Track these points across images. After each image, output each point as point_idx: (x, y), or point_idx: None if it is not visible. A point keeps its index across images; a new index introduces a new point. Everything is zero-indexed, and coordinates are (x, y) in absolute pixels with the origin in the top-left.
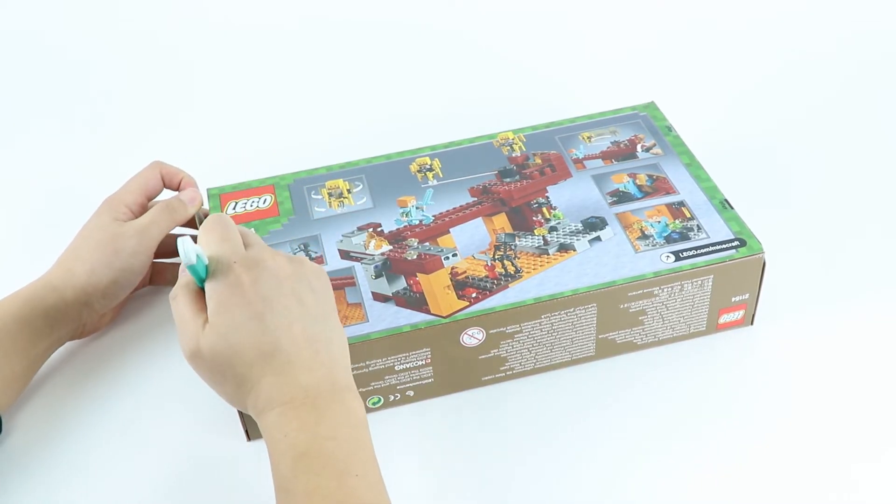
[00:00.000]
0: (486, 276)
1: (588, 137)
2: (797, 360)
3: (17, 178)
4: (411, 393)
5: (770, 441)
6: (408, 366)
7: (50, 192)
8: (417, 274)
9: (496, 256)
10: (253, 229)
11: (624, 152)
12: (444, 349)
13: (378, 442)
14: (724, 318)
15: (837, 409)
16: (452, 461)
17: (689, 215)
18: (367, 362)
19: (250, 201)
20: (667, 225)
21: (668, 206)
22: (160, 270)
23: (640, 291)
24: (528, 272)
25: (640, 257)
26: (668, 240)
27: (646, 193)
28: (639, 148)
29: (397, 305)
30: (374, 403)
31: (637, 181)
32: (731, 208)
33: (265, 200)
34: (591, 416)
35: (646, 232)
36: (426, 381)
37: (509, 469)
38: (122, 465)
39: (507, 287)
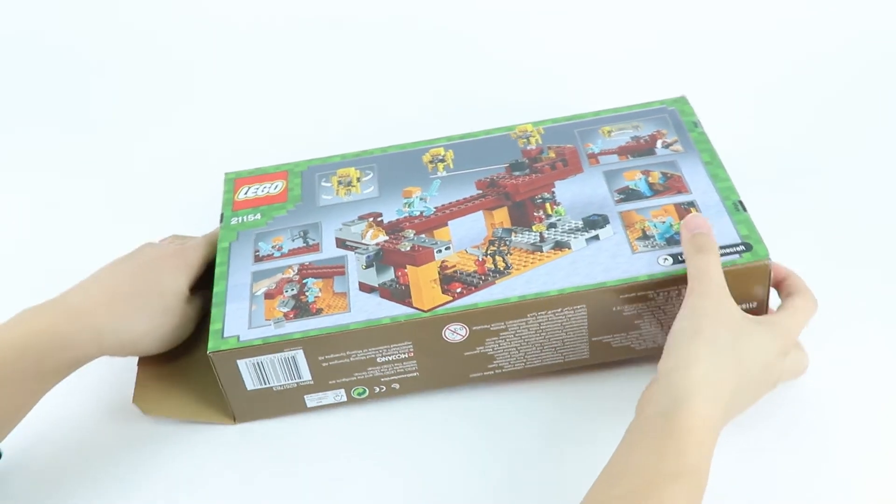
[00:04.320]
0: (475, 272)
1: (608, 132)
2: (810, 370)
3: (23, 174)
4: (396, 386)
5: (779, 449)
6: (390, 358)
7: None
8: (407, 266)
9: (489, 251)
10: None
11: (642, 148)
12: (427, 344)
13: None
14: None
15: (849, 417)
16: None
17: None
18: (349, 352)
19: (262, 187)
20: (671, 226)
21: (677, 206)
22: None
23: (633, 294)
24: (517, 269)
25: (637, 258)
26: (670, 241)
27: (656, 192)
28: (658, 144)
29: (381, 297)
30: (358, 394)
31: (650, 179)
32: (744, 211)
33: (276, 186)
34: (583, 426)
35: (647, 232)
36: (411, 374)
37: (492, 480)
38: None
39: (493, 283)
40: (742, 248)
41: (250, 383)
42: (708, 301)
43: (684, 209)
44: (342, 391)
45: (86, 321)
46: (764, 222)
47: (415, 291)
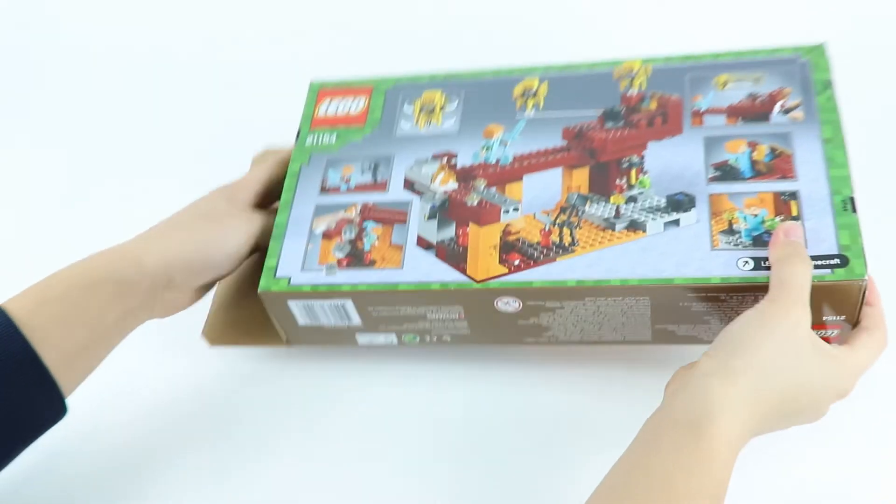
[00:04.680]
0: (538, 243)
1: (724, 83)
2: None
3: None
4: (448, 338)
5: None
6: (441, 317)
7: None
8: (469, 223)
9: (558, 220)
10: None
11: (756, 111)
12: (478, 310)
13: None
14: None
15: None
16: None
17: (795, 213)
18: (398, 307)
19: (343, 102)
20: (763, 221)
21: (777, 195)
22: None
23: (703, 294)
24: (583, 247)
25: (715, 256)
26: (756, 242)
27: (758, 173)
28: (776, 108)
29: (436, 257)
30: (409, 340)
31: (754, 154)
32: (854, 212)
33: (358, 105)
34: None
35: (734, 226)
36: (462, 331)
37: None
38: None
39: (553, 260)
40: (836, 261)
41: (301, 320)
42: (782, 316)
43: (783, 201)
44: (393, 335)
45: (155, 243)
46: (877, 227)
47: (471, 256)
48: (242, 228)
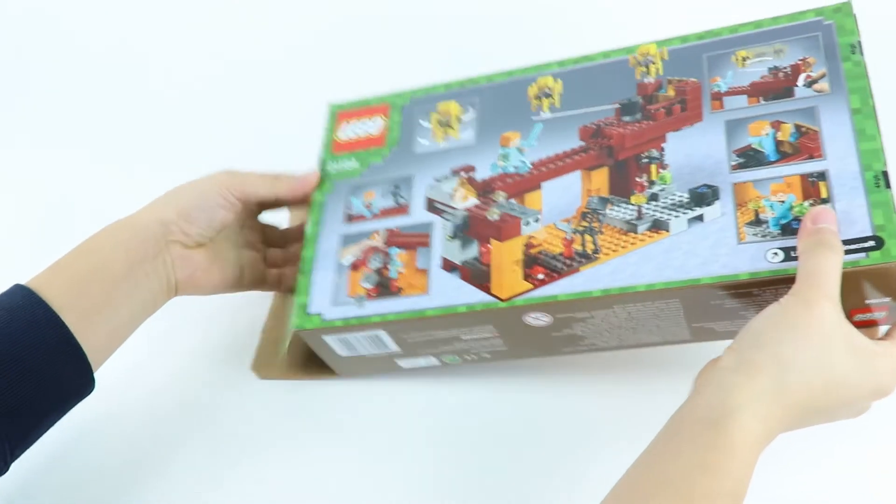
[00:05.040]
0: (560, 254)
1: (743, 59)
2: None
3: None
4: (487, 356)
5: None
6: (475, 337)
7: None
8: (491, 241)
9: (579, 228)
10: None
11: (779, 86)
12: (509, 327)
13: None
14: (858, 318)
15: None
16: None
17: (825, 195)
18: (430, 332)
19: (361, 124)
20: (790, 207)
21: (804, 177)
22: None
23: (733, 291)
24: (605, 254)
25: (742, 250)
26: (785, 230)
27: (783, 155)
28: (801, 80)
29: (461, 279)
30: (450, 360)
31: (779, 135)
32: (887, 187)
33: (376, 125)
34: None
35: (761, 215)
36: (499, 348)
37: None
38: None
39: (577, 270)
40: (871, 244)
41: (341, 352)
42: (804, 310)
43: (811, 183)
44: (433, 358)
45: (153, 210)
46: None
47: (495, 274)
48: (225, 178)
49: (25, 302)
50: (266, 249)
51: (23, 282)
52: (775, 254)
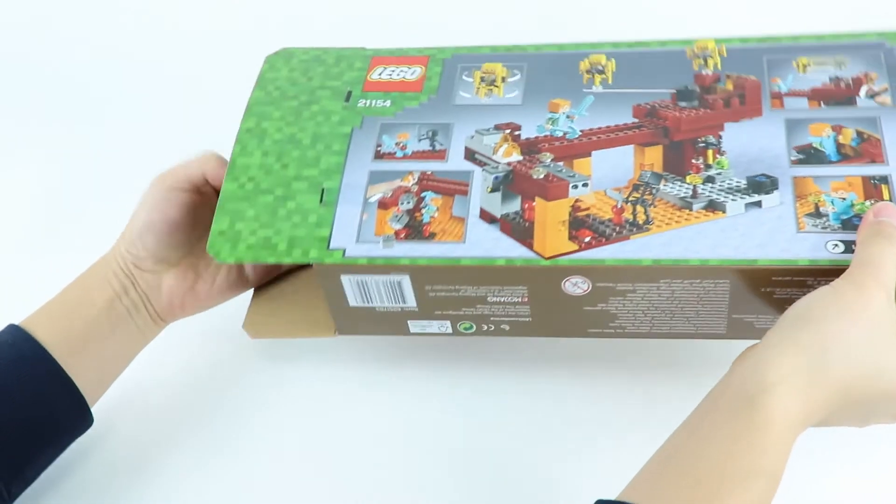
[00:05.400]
0: (609, 220)
1: (804, 65)
2: None
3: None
4: (506, 327)
5: None
6: (502, 300)
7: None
8: (536, 198)
9: (630, 198)
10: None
11: (840, 94)
12: (543, 292)
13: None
14: None
15: None
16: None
17: (887, 197)
18: (457, 287)
19: (398, 70)
20: (852, 205)
21: (866, 179)
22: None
23: (788, 279)
24: (658, 226)
25: (801, 238)
26: (846, 225)
27: (844, 157)
28: (862, 91)
29: (501, 231)
30: (465, 329)
31: (840, 138)
32: None
33: (414, 72)
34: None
35: (821, 209)
36: (523, 318)
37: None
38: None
39: (626, 238)
40: None
41: (353, 300)
42: (857, 296)
43: (874, 185)
44: (448, 323)
45: (120, 240)
46: None
47: (538, 232)
48: (163, 176)
49: (13, 339)
50: None
51: (22, 279)
52: (835, 245)
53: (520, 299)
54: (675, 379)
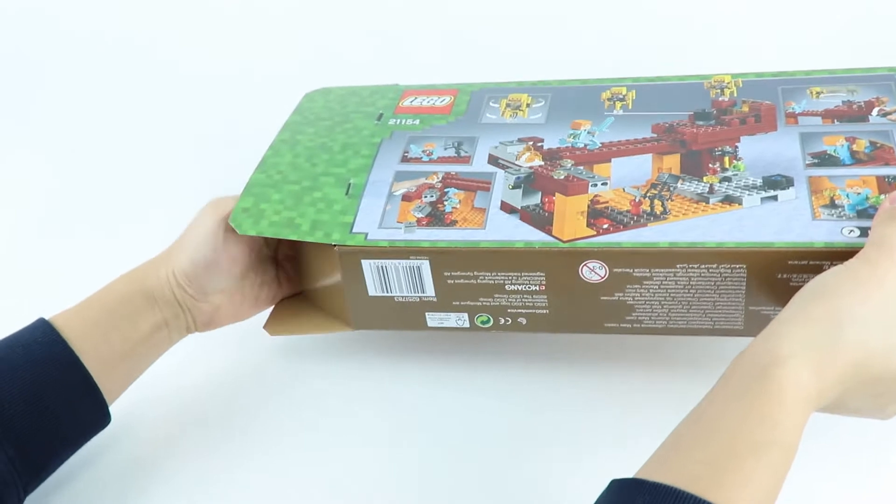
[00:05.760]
0: (627, 211)
1: (817, 93)
2: None
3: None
4: (523, 321)
5: None
6: (519, 288)
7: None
8: (556, 193)
9: (648, 194)
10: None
11: (853, 114)
12: (561, 278)
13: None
14: None
15: None
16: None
17: None
18: (476, 273)
19: (428, 98)
20: (867, 198)
21: (880, 178)
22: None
23: (805, 262)
24: (675, 215)
25: (817, 225)
26: (861, 214)
27: (858, 161)
28: (875, 112)
29: (521, 220)
30: (482, 322)
31: (854, 146)
32: None
33: (443, 100)
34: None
35: (836, 201)
36: (540, 310)
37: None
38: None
39: (644, 225)
40: None
41: (372, 288)
42: (874, 270)
43: (889, 184)
44: (465, 315)
45: (161, 256)
46: None
47: (557, 220)
48: (218, 223)
49: (46, 339)
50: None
51: (21, 282)
52: (851, 230)
53: (537, 287)
54: (689, 379)
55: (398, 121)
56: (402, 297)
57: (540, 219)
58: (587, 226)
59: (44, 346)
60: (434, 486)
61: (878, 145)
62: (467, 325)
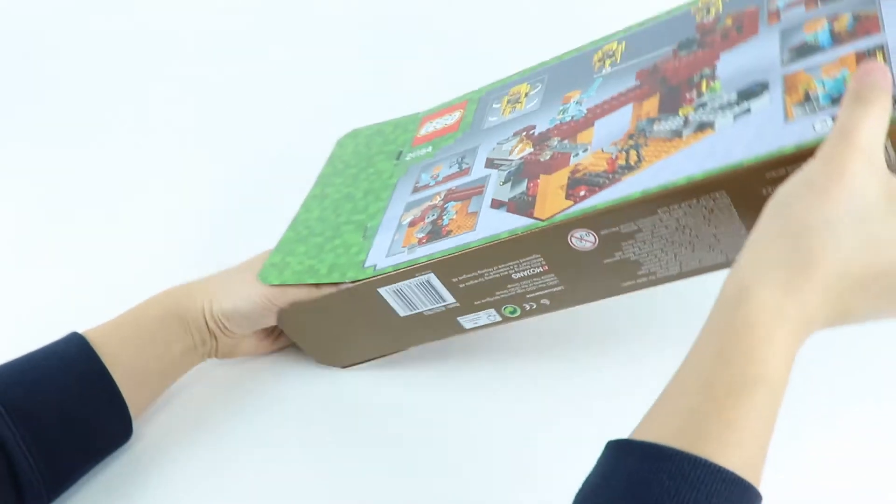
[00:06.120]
0: (604, 171)
1: None
2: None
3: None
4: (546, 302)
5: None
6: (526, 274)
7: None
8: (540, 175)
9: (624, 147)
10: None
11: None
12: (557, 255)
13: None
14: None
15: None
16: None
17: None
18: (480, 272)
19: (441, 120)
20: (843, 81)
21: (859, 54)
22: None
23: (784, 171)
24: (648, 160)
25: (789, 127)
26: (836, 101)
27: (838, 41)
28: None
29: (507, 211)
30: (510, 313)
31: (835, 26)
32: None
33: (453, 117)
34: None
35: (810, 93)
36: (555, 288)
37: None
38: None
39: (618, 181)
40: None
41: (400, 310)
42: (829, 166)
43: (867, 56)
44: (493, 311)
45: (200, 285)
46: None
47: (539, 202)
48: (265, 293)
49: (80, 354)
50: None
51: (21, 280)
52: (824, 122)
53: (541, 269)
54: None
55: (414, 154)
56: (429, 310)
57: (524, 205)
58: (566, 198)
59: (78, 360)
60: (434, 486)
61: (862, 17)
62: (499, 318)
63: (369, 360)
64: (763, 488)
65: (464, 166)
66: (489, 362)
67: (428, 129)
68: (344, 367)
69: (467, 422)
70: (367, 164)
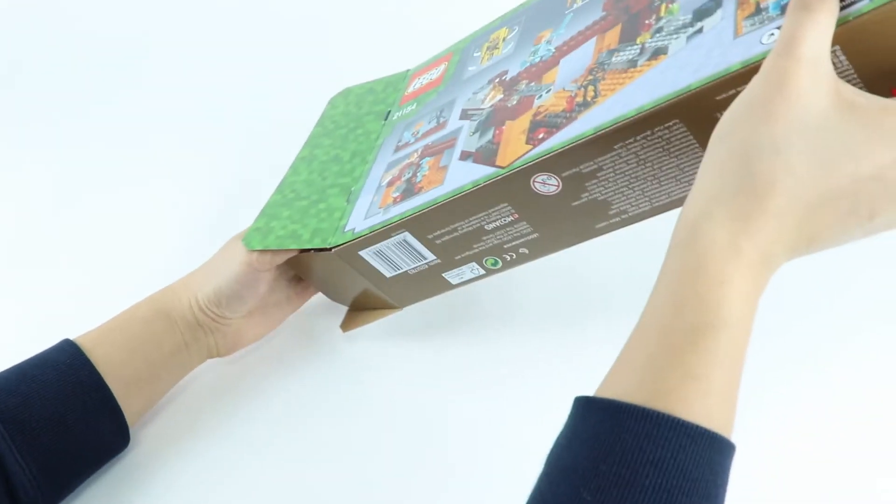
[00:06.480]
0: (563, 111)
1: None
2: None
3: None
4: (525, 251)
5: None
6: (498, 224)
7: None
8: (506, 122)
9: (583, 83)
10: None
11: None
12: (523, 201)
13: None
14: None
15: None
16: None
17: None
18: (452, 226)
19: (427, 75)
20: None
21: None
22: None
23: (734, 91)
24: (604, 95)
25: (737, 44)
26: (785, 10)
27: None
28: None
29: (473, 162)
30: (492, 264)
31: None
32: None
33: (438, 70)
34: None
35: (761, 4)
36: (530, 236)
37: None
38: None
39: (574, 119)
40: None
41: (385, 271)
42: (766, 78)
43: None
44: (475, 265)
45: (182, 281)
46: None
47: (502, 149)
48: (243, 258)
49: (73, 361)
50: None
51: (22, 281)
52: (771, 35)
53: (511, 217)
54: None
55: (401, 112)
56: (413, 268)
57: (489, 153)
58: (526, 142)
59: (72, 368)
60: (435, 485)
61: None
62: (483, 272)
63: (374, 313)
64: (740, 437)
65: (441, 120)
66: (490, 362)
67: (416, 85)
68: (351, 309)
69: (469, 422)
70: (357, 124)
